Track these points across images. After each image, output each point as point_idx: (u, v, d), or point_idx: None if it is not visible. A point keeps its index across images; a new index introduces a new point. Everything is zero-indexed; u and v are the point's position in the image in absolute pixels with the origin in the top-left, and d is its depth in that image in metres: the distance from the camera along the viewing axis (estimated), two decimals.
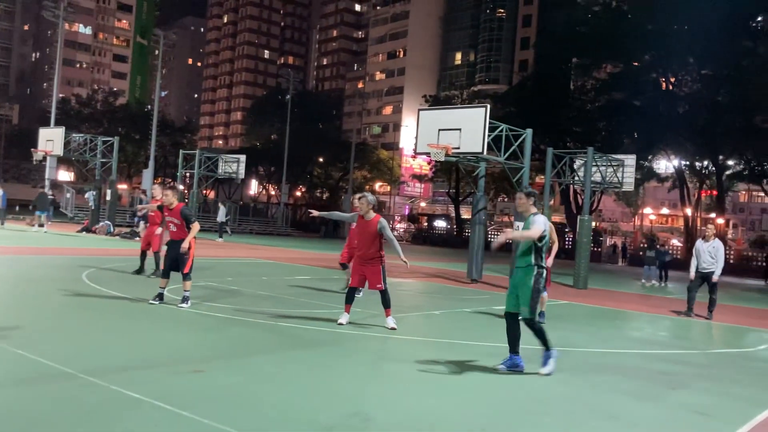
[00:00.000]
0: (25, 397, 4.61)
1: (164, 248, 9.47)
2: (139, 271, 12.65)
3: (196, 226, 8.91)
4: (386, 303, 8.56)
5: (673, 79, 41.05)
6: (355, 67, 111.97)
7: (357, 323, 8.89)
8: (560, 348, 8.31)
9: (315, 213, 9.41)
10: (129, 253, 17.87)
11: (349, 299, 8.65)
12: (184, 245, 8.79)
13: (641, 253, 24.92)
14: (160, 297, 9.06)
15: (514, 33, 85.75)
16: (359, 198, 8.62)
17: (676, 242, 49.86)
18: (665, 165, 46.51)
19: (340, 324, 8.49)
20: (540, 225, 6.35)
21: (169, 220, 9.05)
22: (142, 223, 14.71)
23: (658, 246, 25.33)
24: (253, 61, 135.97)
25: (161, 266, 12.86)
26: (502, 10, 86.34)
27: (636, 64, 40.89)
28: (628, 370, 7.23)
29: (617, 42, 37.37)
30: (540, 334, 6.56)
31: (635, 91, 39.50)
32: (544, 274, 6.62)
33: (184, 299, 9.00)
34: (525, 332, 6.60)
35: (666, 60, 38.36)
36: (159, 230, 12.59)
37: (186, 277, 8.95)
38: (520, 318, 6.55)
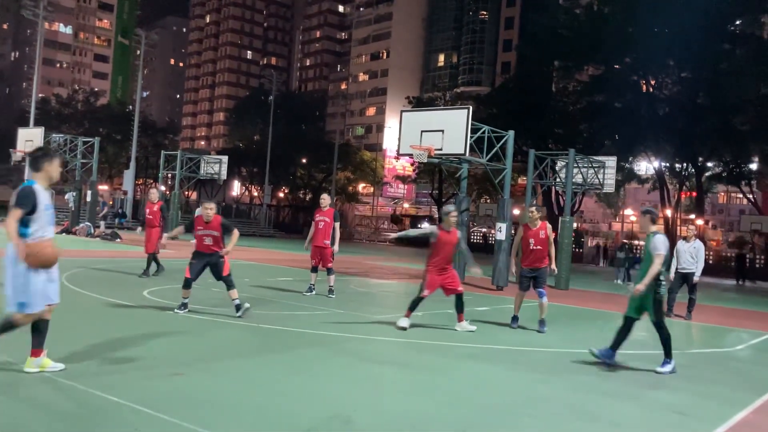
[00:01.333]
0: (2, 401, 4.55)
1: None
2: (158, 271, 13.10)
3: (237, 232, 8.81)
4: (461, 308, 9.18)
5: (653, 82, 41.43)
6: (339, 68, 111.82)
7: (340, 323, 8.88)
8: (541, 349, 8.37)
9: (394, 235, 9.38)
10: (110, 254, 17.71)
11: (415, 306, 9.10)
12: (228, 248, 8.67)
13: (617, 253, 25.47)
14: (184, 306, 8.77)
15: (496, 35, 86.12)
16: (450, 213, 9.15)
17: None
18: (646, 166, 46.93)
19: (403, 329, 8.78)
20: (660, 249, 7.11)
21: (204, 233, 8.72)
22: (139, 228, 14.71)
23: (626, 248, 25.94)
24: (236, 61, 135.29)
25: (153, 268, 12.98)
26: (485, 12, 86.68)
27: (617, 66, 41.22)
28: (608, 370, 7.28)
29: (598, 45, 37.67)
30: (666, 341, 7.39)
31: (616, 94, 39.84)
32: (664, 284, 7.28)
33: (238, 308, 8.72)
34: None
35: (646, 63, 38.69)
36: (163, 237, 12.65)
37: (230, 284, 8.74)
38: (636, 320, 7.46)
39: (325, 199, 11.97)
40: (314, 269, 12.06)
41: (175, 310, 8.74)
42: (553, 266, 9.89)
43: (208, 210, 8.75)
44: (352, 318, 9.74)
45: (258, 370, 6.05)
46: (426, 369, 6.64)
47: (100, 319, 8.16)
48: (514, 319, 9.94)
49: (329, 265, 11.75)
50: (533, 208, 9.88)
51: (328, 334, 8.12)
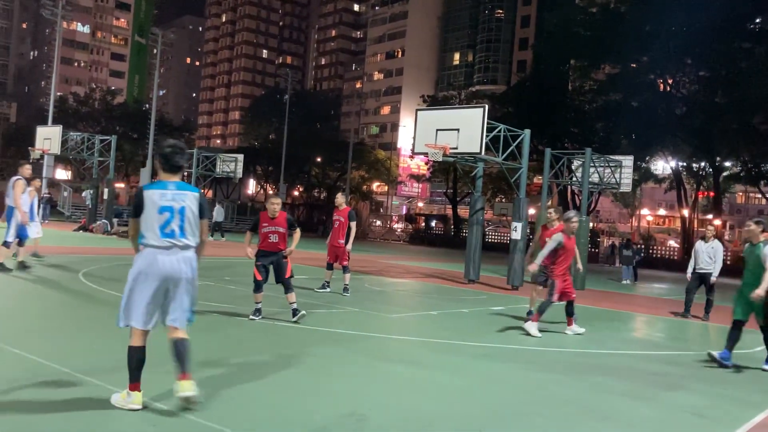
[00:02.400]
0: (20, 396, 4.61)
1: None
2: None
3: (299, 231, 8.68)
4: (572, 312, 9.48)
5: (670, 81, 41.08)
6: (354, 67, 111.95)
7: (355, 322, 8.89)
8: (556, 349, 8.33)
9: (532, 270, 9.26)
10: (126, 252, 17.85)
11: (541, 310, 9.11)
12: (292, 248, 8.47)
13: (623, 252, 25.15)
14: (258, 312, 8.50)
15: (512, 34, 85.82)
16: (571, 219, 9.24)
17: (673, 243, 49.93)
18: (663, 166, 46.55)
19: (537, 336, 8.81)
20: None
21: (270, 230, 8.37)
22: None
23: (633, 246, 25.64)
24: (252, 60, 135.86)
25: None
26: (501, 11, 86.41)
27: (634, 65, 40.91)
28: (623, 371, 7.24)
29: (615, 43, 37.39)
30: None
31: (633, 93, 39.52)
32: None
33: (295, 312, 8.48)
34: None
35: (664, 61, 38.36)
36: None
37: (290, 287, 8.47)
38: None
39: (339, 198, 12.03)
40: (329, 266, 12.13)
41: (250, 317, 8.45)
42: (579, 266, 9.99)
43: (274, 205, 8.39)
44: (367, 317, 9.75)
45: (273, 368, 6.08)
46: (440, 368, 6.63)
47: (116, 315, 8.21)
48: (529, 313, 10.07)
49: (345, 263, 11.78)
50: (551, 210, 10.17)
51: (343, 333, 8.13)
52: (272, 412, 4.72)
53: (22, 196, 11.47)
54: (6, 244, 11.47)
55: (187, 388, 4.41)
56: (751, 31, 38.07)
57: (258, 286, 8.40)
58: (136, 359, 4.43)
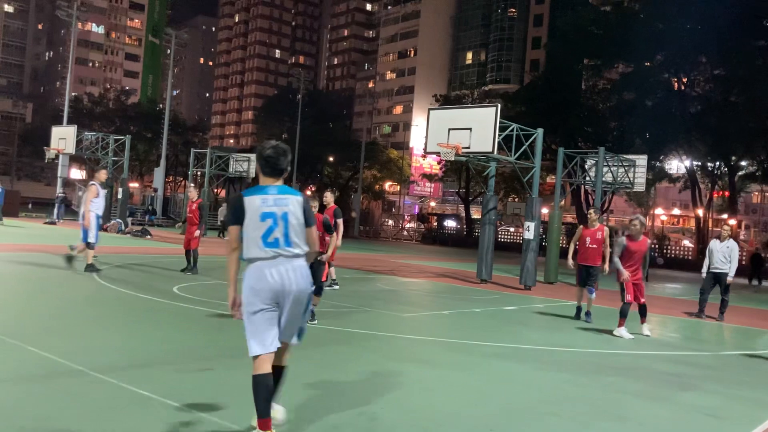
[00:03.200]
0: (36, 393, 4.65)
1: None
2: (186, 268, 13.30)
3: (335, 235, 8.66)
4: (644, 313, 9.77)
5: (685, 80, 40.78)
6: (366, 67, 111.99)
7: (366, 321, 8.90)
8: (568, 349, 8.30)
9: (619, 274, 9.57)
10: (140, 251, 17.97)
11: (625, 314, 9.49)
12: (329, 252, 8.33)
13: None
14: (311, 314, 8.26)
15: (525, 32, 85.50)
16: (632, 221, 9.62)
17: (687, 243, 49.57)
18: (677, 165, 46.21)
19: (630, 338, 9.27)
20: None
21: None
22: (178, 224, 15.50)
23: None
24: (264, 60, 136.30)
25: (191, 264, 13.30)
26: (514, 10, 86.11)
27: (648, 64, 40.64)
28: (637, 371, 7.19)
29: (629, 42, 37.16)
30: None
31: (647, 92, 39.27)
32: None
33: (313, 315, 8.33)
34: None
35: (678, 60, 38.09)
36: (197, 233, 13.29)
37: (320, 291, 8.28)
38: None
39: (327, 197, 11.93)
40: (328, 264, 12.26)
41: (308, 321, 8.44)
42: (606, 266, 10.48)
43: (313, 208, 8.33)
44: (379, 316, 9.76)
45: None
46: (452, 367, 6.62)
47: (131, 314, 8.29)
48: (579, 309, 11.02)
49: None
50: (591, 211, 11.09)
51: (355, 332, 8.14)
52: (284, 409, 4.73)
53: (95, 200, 12.10)
54: (90, 245, 12.07)
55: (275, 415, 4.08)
56: (766, 28, 37.71)
57: (317, 291, 8.29)
58: (263, 387, 3.84)
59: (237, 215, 3.91)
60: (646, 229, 10.25)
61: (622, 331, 9.39)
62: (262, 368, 3.85)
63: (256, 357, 3.86)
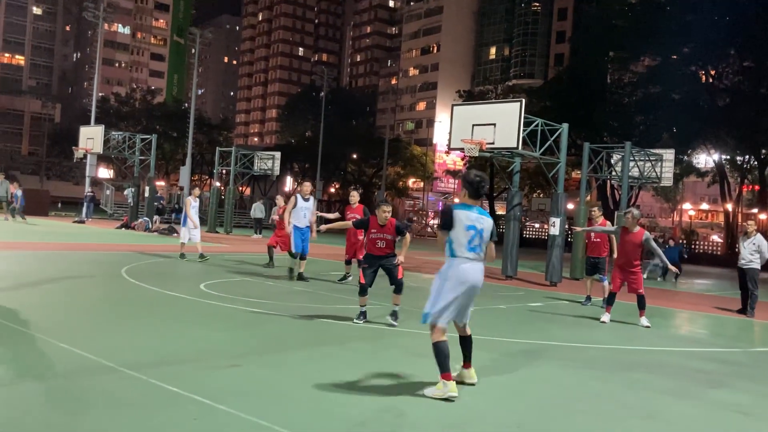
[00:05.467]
0: (68, 390, 4.73)
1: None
2: (269, 264, 14.67)
3: (408, 237, 8.72)
4: (642, 305, 10.05)
5: (713, 72, 40.08)
6: (389, 63, 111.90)
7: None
8: (596, 345, 8.23)
9: (579, 229, 10.65)
10: (167, 249, 18.17)
11: (611, 301, 10.25)
12: (401, 258, 8.43)
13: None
14: (363, 315, 8.42)
15: (549, 27, 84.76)
16: (626, 213, 10.14)
17: (716, 238, 48.82)
18: (705, 159, 45.47)
19: (603, 322, 9.95)
20: None
21: (379, 237, 8.31)
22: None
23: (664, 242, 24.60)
24: (288, 58, 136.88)
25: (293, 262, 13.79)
26: (537, 4, 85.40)
27: (675, 56, 40.01)
28: (665, 368, 7.11)
29: (655, 35, 36.61)
30: None
31: (674, 85, 38.65)
32: None
33: (395, 315, 8.43)
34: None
35: (706, 52, 37.42)
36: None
37: (400, 288, 8.41)
38: None
39: (353, 196, 12.60)
40: (348, 262, 13.06)
41: (354, 321, 8.35)
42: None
43: (385, 213, 8.30)
44: (404, 312, 9.75)
45: (311, 363, 6.13)
46: (478, 364, 6.59)
47: (159, 311, 8.39)
48: (588, 298, 12.29)
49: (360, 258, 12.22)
50: (595, 208, 12.31)
51: (380, 328, 8.15)
52: (311, 406, 4.77)
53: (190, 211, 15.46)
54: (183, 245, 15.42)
55: (472, 374, 5.63)
56: None
57: (363, 290, 8.34)
58: (445, 351, 5.11)
59: (447, 223, 5.19)
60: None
61: (604, 317, 10.18)
62: (441, 337, 5.15)
63: (434, 327, 5.14)
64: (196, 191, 16.04)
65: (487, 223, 5.25)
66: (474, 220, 5.18)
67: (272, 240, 14.88)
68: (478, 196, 5.30)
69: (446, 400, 5.01)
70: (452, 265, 5.18)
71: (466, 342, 5.56)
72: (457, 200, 5.32)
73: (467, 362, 5.60)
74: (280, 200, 15.92)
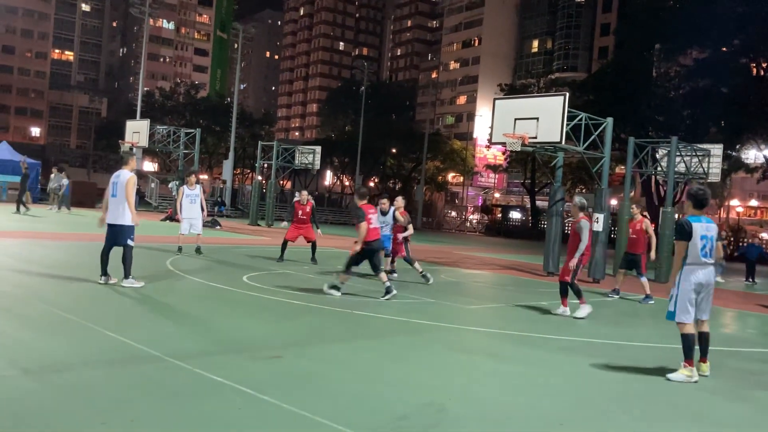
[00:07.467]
0: (115, 378, 4.85)
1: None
2: (313, 257, 14.53)
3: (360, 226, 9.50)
4: (565, 293, 9.93)
5: (765, 65, 38.90)
6: (429, 57, 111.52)
7: (431, 312, 8.90)
8: (640, 344, 8.08)
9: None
10: (210, 240, 18.44)
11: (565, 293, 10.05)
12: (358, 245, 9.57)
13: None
14: (388, 291, 9.59)
15: (593, 19, 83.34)
16: (574, 203, 10.04)
17: (765, 236, 47.45)
18: (755, 155, 44.18)
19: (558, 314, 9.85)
20: None
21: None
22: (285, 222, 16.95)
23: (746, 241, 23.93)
24: (329, 53, 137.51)
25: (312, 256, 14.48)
26: None
27: (724, 49, 38.91)
28: (713, 368, 6.93)
29: (704, 26, 35.66)
30: None
31: (723, 78, 37.62)
32: None
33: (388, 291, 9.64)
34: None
35: (758, 44, 36.33)
36: (318, 231, 14.92)
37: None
38: None
39: (398, 201, 12.43)
40: (391, 260, 13.23)
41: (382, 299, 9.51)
42: (653, 254, 12.13)
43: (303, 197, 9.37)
44: (443, 307, 9.73)
45: (351, 356, 6.17)
46: (519, 361, 6.55)
47: (203, 302, 8.53)
48: (616, 290, 12.79)
49: (403, 255, 12.74)
50: (633, 205, 13.27)
51: (420, 323, 8.15)
52: (352, 399, 4.79)
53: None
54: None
55: (704, 369, 6.28)
56: None
57: (377, 271, 9.82)
58: (691, 342, 6.07)
59: (686, 234, 6.02)
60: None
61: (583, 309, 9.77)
62: (689, 329, 6.09)
63: (683, 324, 6.09)
64: (192, 179, 14.82)
65: (713, 230, 6.14)
66: (705, 230, 6.07)
67: (290, 234, 14.51)
68: (702, 206, 6.21)
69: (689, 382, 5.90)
70: (691, 271, 6.05)
71: (703, 338, 6.29)
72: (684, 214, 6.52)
73: (703, 357, 6.29)
74: (304, 196, 15.03)
